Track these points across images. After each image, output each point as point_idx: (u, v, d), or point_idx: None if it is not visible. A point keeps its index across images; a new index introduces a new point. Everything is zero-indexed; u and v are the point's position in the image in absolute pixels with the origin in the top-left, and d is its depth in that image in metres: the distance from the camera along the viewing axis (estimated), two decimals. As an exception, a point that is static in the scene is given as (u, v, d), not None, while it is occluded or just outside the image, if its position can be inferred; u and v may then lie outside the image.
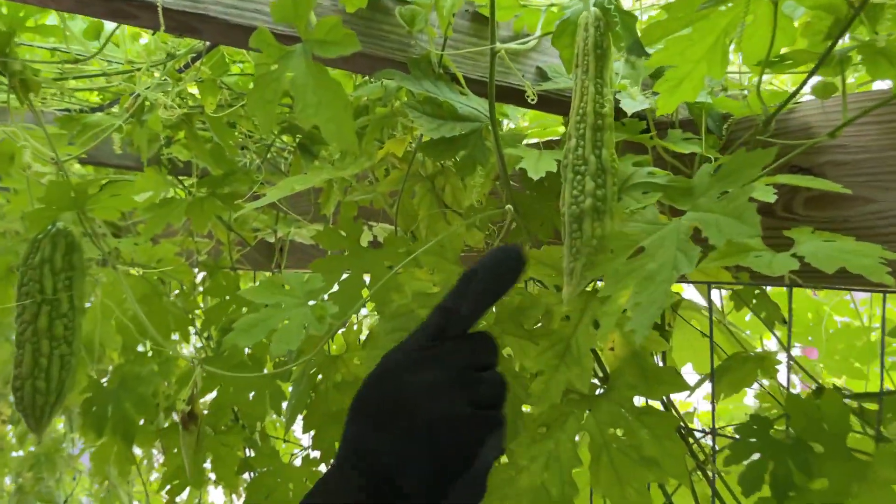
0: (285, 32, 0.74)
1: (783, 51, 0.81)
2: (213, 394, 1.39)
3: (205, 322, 1.51)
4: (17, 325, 1.02)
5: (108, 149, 1.55)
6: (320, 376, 1.19)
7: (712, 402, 0.94)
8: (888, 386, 0.92)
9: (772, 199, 0.73)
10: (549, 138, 1.22)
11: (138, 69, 1.01)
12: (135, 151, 1.32)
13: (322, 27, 0.66)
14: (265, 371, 1.38)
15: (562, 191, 0.75)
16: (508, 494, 0.83)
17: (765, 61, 0.76)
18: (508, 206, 0.89)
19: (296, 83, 0.67)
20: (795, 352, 1.33)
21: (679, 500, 1.00)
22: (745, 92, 1.01)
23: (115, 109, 1.24)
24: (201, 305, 1.67)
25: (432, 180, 1.12)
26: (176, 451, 1.50)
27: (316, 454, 1.31)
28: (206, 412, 1.45)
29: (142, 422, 1.51)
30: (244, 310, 1.38)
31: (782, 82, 1.30)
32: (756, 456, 0.80)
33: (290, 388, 1.26)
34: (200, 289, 1.67)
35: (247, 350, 1.40)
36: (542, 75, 0.97)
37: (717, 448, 0.96)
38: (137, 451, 1.93)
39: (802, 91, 0.82)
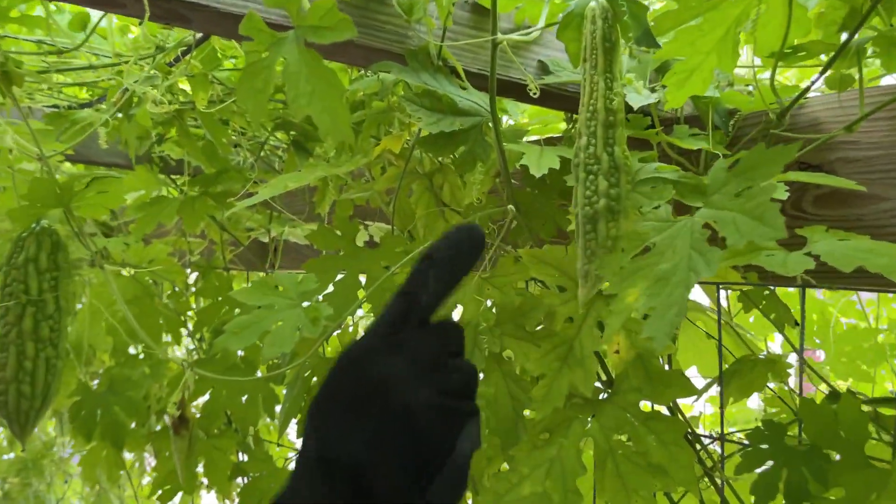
0: (278, 21, 0.71)
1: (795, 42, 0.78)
2: (206, 397, 1.36)
3: (197, 324, 1.48)
4: (1, 328, 0.99)
5: (99, 147, 1.51)
6: (315, 379, 1.16)
7: (721, 407, 0.91)
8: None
9: (783, 195, 0.71)
10: (550, 135, 1.20)
11: (126, 62, 0.98)
12: (125, 149, 1.29)
13: (315, 12, 0.62)
14: (258, 374, 1.35)
15: (574, 191, 0.72)
16: (509, 503, 0.80)
17: (779, 52, 0.73)
18: (510, 205, 0.85)
19: (288, 71, 0.63)
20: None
21: (685, 508, 0.97)
22: (751, 88, 0.98)
23: (103, 105, 1.21)
24: (193, 307, 1.64)
25: (430, 178, 1.09)
26: (168, 454, 1.47)
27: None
28: (198, 416, 1.42)
29: (133, 425, 1.48)
30: (237, 311, 1.35)
31: (786, 78, 1.27)
32: (769, 464, 0.77)
33: (284, 392, 1.23)
34: (193, 290, 1.64)
35: (240, 353, 1.37)
36: (543, 69, 0.94)
37: (725, 454, 0.93)
38: (129, 455, 1.90)
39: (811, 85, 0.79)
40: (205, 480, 1.51)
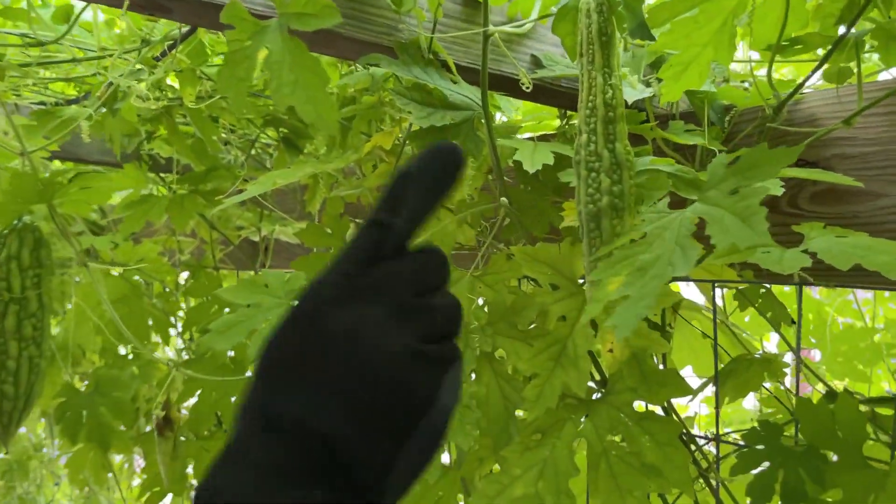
0: (262, 11, 0.69)
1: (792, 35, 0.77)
2: (196, 398, 1.34)
3: (186, 323, 1.46)
4: (-17, 327, 0.97)
5: (88, 146, 1.50)
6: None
7: (716, 407, 0.90)
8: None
9: (779, 191, 0.69)
10: (544, 132, 1.18)
11: (110, 55, 0.96)
12: (111, 145, 1.27)
13: None
14: (248, 374, 1.33)
15: (576, 189, 0.70)
16: (501, 505, 0.79)
17: (776, 45, 0.71)
18: (503, 200, 0.84)
19: (271, 60, 0.61)
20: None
21: (680, 510, 0.95)
22: (747, 84, 0.97)
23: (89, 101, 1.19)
24: (183, 306, 1.62)
25: (422, 175, 1.07)
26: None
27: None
28: (187, 416, 1.40)
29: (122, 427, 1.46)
30: (226, 310, 1.33)
31: (783, 75, 1.26)
32: (765, 464, 0.75)
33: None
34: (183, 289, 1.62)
35: (230, 353, 1.35)
36: (536, 63, 0.92)
37: (720, 455, 0.91)
38: (118, 457, 1.88)
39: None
40: (195, 482, 1.49)
